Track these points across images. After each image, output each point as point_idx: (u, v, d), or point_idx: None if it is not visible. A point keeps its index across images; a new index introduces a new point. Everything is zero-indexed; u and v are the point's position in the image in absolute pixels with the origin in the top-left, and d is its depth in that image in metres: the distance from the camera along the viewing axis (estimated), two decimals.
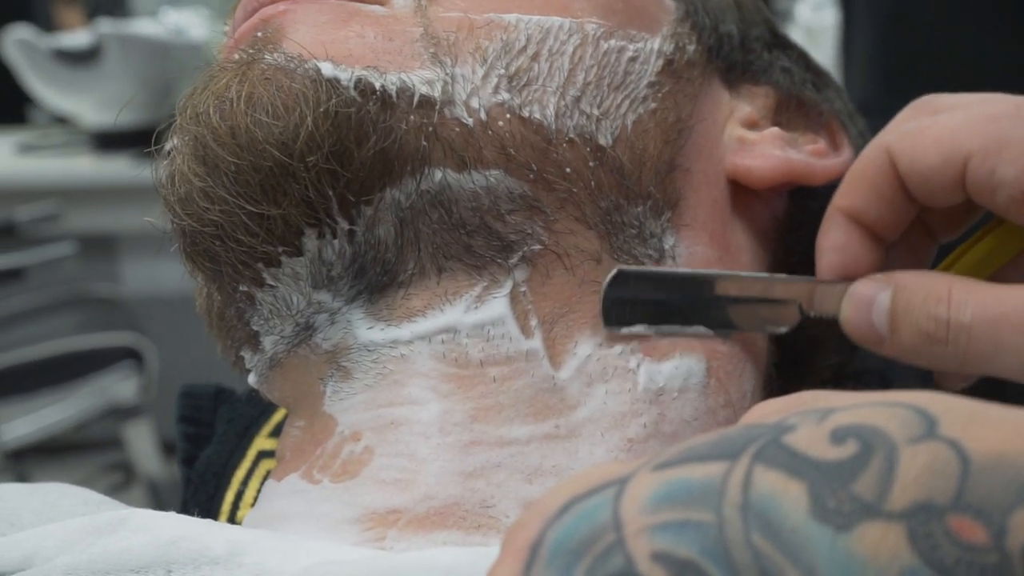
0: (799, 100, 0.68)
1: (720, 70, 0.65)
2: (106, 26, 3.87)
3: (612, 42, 0.58)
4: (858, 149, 0.69)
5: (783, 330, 0.57)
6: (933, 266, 0.59)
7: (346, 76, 0.51)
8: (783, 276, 0.58)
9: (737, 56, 0.66)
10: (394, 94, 0.52)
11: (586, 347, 0.54)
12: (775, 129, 0.64)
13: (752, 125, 0.64)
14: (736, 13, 0.68)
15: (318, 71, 0.51)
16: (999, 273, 0.56)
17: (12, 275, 3.05)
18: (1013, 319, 0.47)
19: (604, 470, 0.37)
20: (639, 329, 0.55)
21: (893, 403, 0.35)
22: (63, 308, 3.36)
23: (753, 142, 0.63)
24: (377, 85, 0.51)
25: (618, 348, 0.55)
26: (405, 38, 0.54)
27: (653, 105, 0.59)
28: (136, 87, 3.59)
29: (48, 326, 3.23)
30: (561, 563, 0.32)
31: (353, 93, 0.51)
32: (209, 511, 0.67)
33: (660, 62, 0.60)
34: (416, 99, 0.52)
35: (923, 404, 0.35)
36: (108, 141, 3.66)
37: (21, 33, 3.88)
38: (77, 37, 3.97)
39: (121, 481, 3.52)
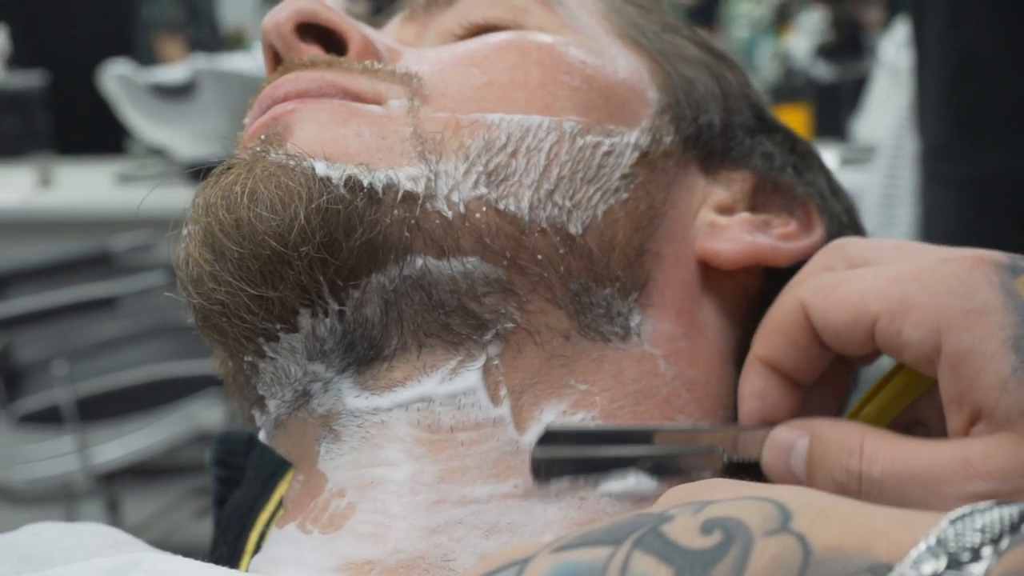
0: (775, 183, 0.72)
1: (698, 157, 0.70)
2: (201, 61, 3.98)
3: (588, 138, 0.63)
4: (838, 226, 0.74)
5: (707, 475, 0.60)
6: (851, 401, 0.63)
7: (337, 175, 0.57)
8: (707, 426, 0.62)
9: (717, 144, 0.71)
10: (380, 190, 0.58)
11: (550, 414, 0.59)
12: (745, 215, 0.68)
13: (726, 209, 0.69)
14: (721, 102, 0.72)
15: (313, 170, 0.57)
16: (911, 407, 0.60)
17: (106, 303, 3.14)
18: (919, 476, 0.51)
19: (513, 551, 0.43)
20: (566, 482, 0.58)
21: (760, 498, 0.40)
22: (154, 336, 3.45)
23: (723, 227, 0.67)
24: (365, 183, 0.57)
25: (580, 415, 0.60)
26: (396, 137, 0.60)
27: (625, 195, 0.63)
28: (229, 120, 3.69)
29: (139, 353, 3.32)
30: None
31: (343, 191, 0.57)
32: (235, 550, 0.73)
33: (635, 154, 0.65)
34: (400, 194, 0.58)
35: (784, 499, 0.40)
36: (202, 173, 3.76)
37: (120, 68, 4.01)
38: (173, 72, 4.09)
39: (207, 505, 3.60)
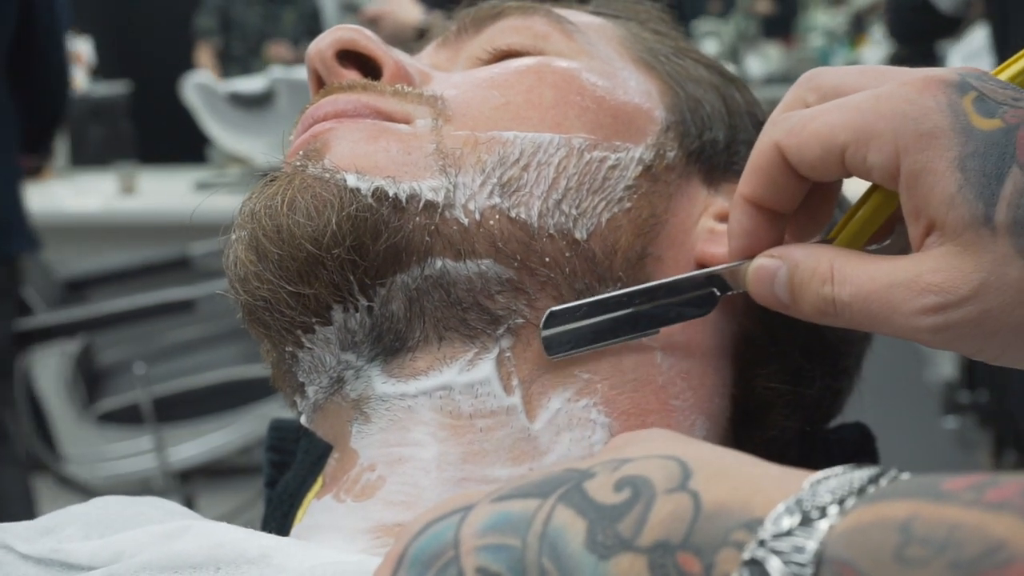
0: None
1: (701, 171, 0.76)
2: (278, 72, 4.08)
3: (595, 153, 0.69)
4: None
5: (705, 314, 0.67)
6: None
7: (366, 186, 0.64)
8: (695, 272, 0.68)
9: (720, 158, 0.77)
10: (404, 200, 0.65)
11: (557, 402, 0.66)
12: None
13: (725, 218, 0.74)
14: (726, 120, 0.78)
15: (345, 182, 0.64)
16: (888, 223, 0.64)
17: (185, 306, 3.22)
18: (882, 295, 0.57)
19: (457, 499, 0.50)
20: (577, 352, 0.66)
21: (668, 456, 0.47)
22: (231, 339, 3.53)
23: (721, 233, 0.73)
24: (391, 193, 0.65)
25: (583, 402, 0.66)
26: (421, 152, 0.67)
27: (628, 205, 0.70)
28: None
29: (216, 355, 3.42)
30: (416, 571, 0.46)
31: (370, 200, 0.64)
32: (283, 526, 0.80)
33: (639, 168, 0.71)
34: (422, 203, 0.65)
35: (688, 459, 0.46)
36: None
37: (200, 78, 4.11)
38: (251, 82, 4.18)
39: None
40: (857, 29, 8.22)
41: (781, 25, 8.56)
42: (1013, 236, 0.53)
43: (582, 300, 0.67)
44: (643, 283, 0.69)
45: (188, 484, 3.50)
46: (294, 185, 0.65)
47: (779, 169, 0.61)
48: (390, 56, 0.73)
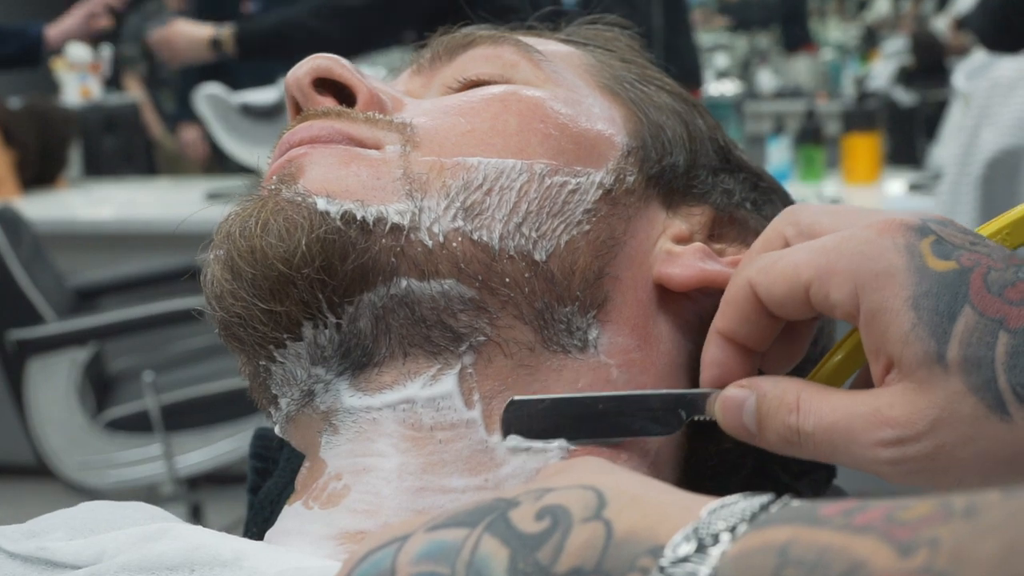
0: (732, 217, 0.81)
1: (660, 194, 0.78)
2: None
3: (556, 178, 0.72)
4: None
5: (668, 433, 0.70)
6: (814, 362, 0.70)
7: (335, 209, 0.67)
8: (665, 391, 0.71)
9: (679, 182, 0.80)
10: (371, 223, 0.68)
11: None
12: (698, 244, 0.77)
13: (683, 240, 0.77)
14: (687, 145, 0.81)
15: (315, 205, 0.68)
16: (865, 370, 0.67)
17: (194, 315, 3.23)
18: (842, 427, 0.59)
19: (396, 528, 0.54)
20: (539, 444, 0.69)
21: (587, 486, 0.50)
22: None
23: (678, 254, 0.76)
24: (359, 216, 0.68)
25: None
26: (389, 177, 0.70)
27: (587, 227, 0.72)
28: None
29: (224, 364, 3.42)
30: None
31: (339, 223, 0.67)
32: (263, 531, 0.83)
33: (599, 192, 0.74)
34: (389, 226, 0.68)
35: (604, 488, 0.50)
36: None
37: (211, 89, 4.14)
38: (263, 94, 4.20)
39: None
40: (869, 43, 8.25)
41: (794, 39, 8.61)
42: (964, 373, 0.55)
43: (547, 395, 0.69)
44: (601, 302, 0.72)
45: (195, 491, 3.53)
46: (268, 208, 0.68)
47: (751, 305, 0.64)
48: (364, 84, 0.76)
